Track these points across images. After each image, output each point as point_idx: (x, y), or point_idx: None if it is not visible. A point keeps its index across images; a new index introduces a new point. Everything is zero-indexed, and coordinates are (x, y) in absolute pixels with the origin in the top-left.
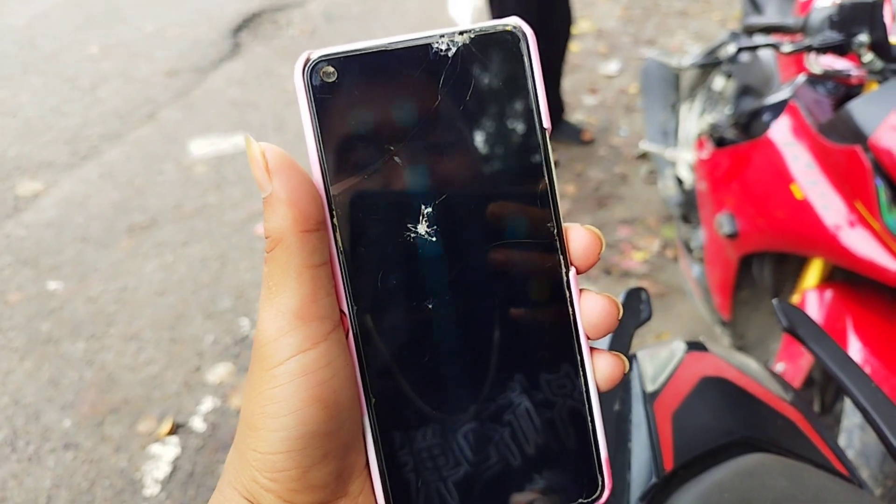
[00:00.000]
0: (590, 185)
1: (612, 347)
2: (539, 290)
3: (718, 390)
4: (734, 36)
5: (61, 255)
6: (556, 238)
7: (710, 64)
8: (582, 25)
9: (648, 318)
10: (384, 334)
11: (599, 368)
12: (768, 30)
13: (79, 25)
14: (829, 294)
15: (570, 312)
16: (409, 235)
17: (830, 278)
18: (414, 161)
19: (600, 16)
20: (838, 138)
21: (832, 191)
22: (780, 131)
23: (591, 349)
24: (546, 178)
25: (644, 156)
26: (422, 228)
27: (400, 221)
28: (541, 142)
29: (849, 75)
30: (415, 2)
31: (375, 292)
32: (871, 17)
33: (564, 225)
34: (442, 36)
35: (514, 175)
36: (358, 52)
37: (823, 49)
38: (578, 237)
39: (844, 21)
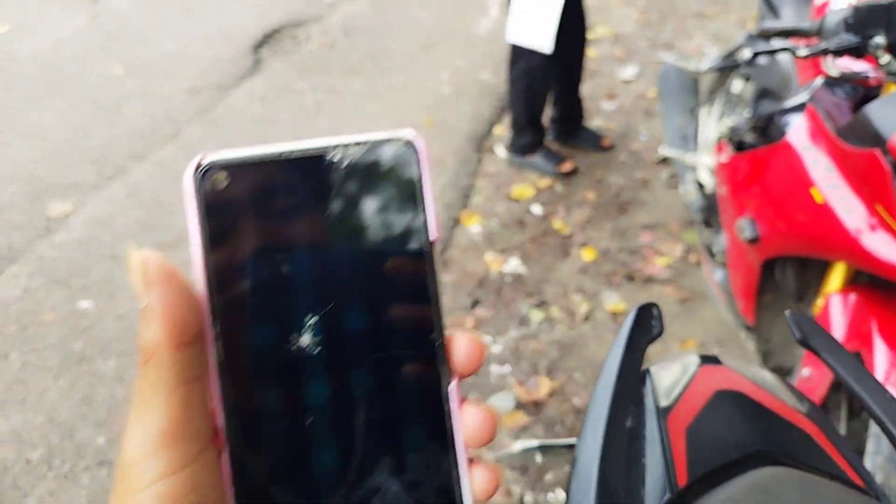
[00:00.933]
0: (610, 191)
1: (624, 363)
2: (420, 402)
3: (733, 403)
4: (750, 39)
5: (91, 274)
6: (439, 350)
7: (727, 67)
8: (598, 31)
9: (660, 333)
10: (261, 451)
11: (476, 480)
12: (784, 34)
13: (101, 46)
14: (852, 298)
15: (449, 425)
16: (292, 349)
17: (854, 282)
18: (300, 273)
19: (617, 20)
20: (857, 141)
21: (852, 194)
22: (799, 135)
23: (470, 460)
24: (431, 290)
25: (665, 160)
26: (305, 341)
27: (282, 334)
28: (427, 254)
29: (867, 77)
30: (429, 12)
31: (254, 407)
32: (887, 18)
33: (447, 334)
34: (336, 147)
35: (399, 288)
36: (250, 160)
37: (840, 52)
38: (461, 345)
39: (860, 23)
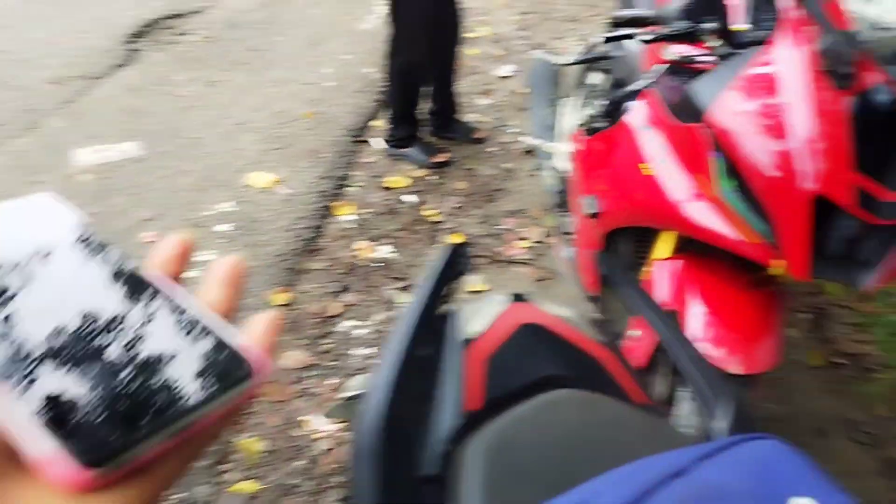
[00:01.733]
0: (480, 180)
1: (428, 301)
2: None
3: (534, 335)
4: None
5: None
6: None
7: (588, 60)
8: (480, 31)
9: (465, 271)
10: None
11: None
12: (633, 22)
13: None
14: (676, 264)
15: (148, 282)
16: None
17: (683, 250)
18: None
19: (497, 22)
20: (685, 118)
21: (679, 167)
22: (634, 116)
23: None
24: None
25: (531, 151)
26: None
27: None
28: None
29: (699, 61)
30: (319, 10)
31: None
32: (718, 6)
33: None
34: None
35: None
36: None
37: (676, 38)
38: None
39: (695, 11)
